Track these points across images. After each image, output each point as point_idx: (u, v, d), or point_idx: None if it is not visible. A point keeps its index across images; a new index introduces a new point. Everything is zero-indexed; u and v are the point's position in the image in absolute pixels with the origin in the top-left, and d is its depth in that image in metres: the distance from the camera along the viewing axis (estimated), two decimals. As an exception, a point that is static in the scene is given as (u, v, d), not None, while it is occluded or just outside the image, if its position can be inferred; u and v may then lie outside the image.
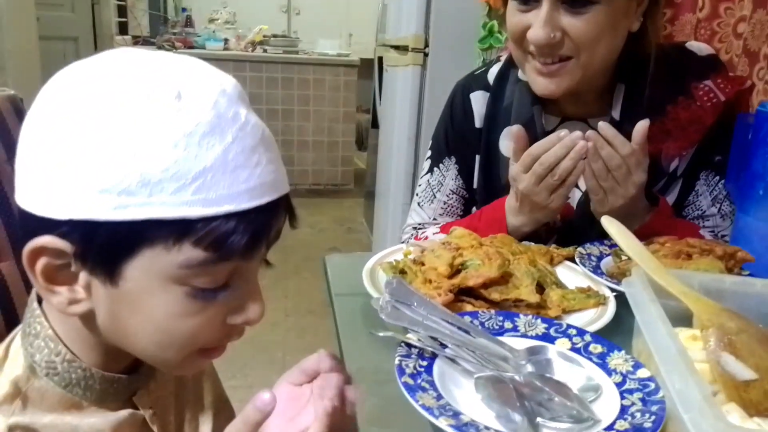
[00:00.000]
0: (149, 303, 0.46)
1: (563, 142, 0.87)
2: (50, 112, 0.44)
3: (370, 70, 3.59)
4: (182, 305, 0.47)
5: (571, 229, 1.02)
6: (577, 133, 0.87)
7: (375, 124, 3.39)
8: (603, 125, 0.87)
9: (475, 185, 1.13)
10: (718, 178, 1.01)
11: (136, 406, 0.57)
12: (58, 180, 0.43)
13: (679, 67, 0.99)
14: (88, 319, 0.49)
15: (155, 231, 0.43)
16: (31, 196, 0.45)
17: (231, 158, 0.44)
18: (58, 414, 0.51)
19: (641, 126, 0.87)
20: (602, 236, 0.95)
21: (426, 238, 1.10)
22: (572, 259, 0.89)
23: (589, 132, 0.87)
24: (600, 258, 0.89)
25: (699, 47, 1.02)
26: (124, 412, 0.55)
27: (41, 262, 0.45)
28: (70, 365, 0.51)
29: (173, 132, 0.42)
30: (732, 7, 1.22)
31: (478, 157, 1.10)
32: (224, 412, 0.71)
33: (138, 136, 0.42)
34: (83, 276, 0.46)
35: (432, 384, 0.56)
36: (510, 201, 0.97)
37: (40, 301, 0.53)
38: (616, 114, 0.99)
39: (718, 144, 0.99)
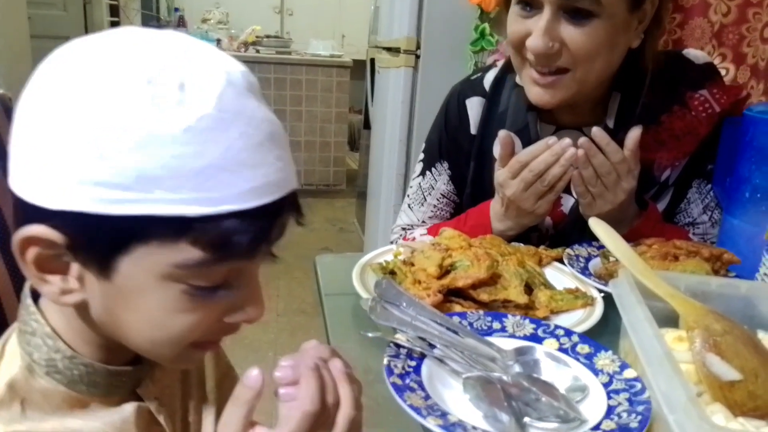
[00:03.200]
0: (144, 299, 0.45)
1: (553, 149, 0.87)
2: (46, 93, 0.41)
3: (362, 71, 3.59)
4: (178, 303, 0.45)
5: (563, 235, 1.02)
6: (567, 140, 0.87)
7: (367, 125, 3.39)
8: (596, 131, 0.87)
9: (466, 191, 1.13)
10: (710, 186, 1.01)
11: (140, 397, 0.55)
12: (51, 168, 0.40)
13: (675, 75, 0.99)
14: (83, 311, 0.48)
15: (151, 228, 0.41)
16: (25, 182, 0.42)
17: (234, 156, 0.41)
18: (61, 416, 0.49)
19: (634, 133, 0.88)
20: (592, 240, 0.96)
21: (413, 239, 1.11)
22: (561, 261, 0.89)
23: (582, 139, 0.87)
24: (588, 259, 0.90)
25: (696, 55, 1.02)
26: (129, 409, 0.53)
27: (32, 252, 0.43)
28: (71, 362, 0.49)
29: (173, 125, 0.39)
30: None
31: (472, 164, 1.10)
32: (227, 385, 0.69)
33: (136, 128, 0.39)
34: (76, 267, 0.44)
35: (420, 384, 0.56)
36: (495, 206, 0.98)
37: (35, 298, 0.51)
38: (610, 122, 0.99)
39: (709, 152, 1.00)
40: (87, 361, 0.50)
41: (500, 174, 0.93)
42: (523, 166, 0.89)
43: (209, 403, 0.66)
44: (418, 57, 2.33)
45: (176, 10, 5.27)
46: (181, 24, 5.00)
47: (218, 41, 4.64)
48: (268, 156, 0.43)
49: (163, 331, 0.46)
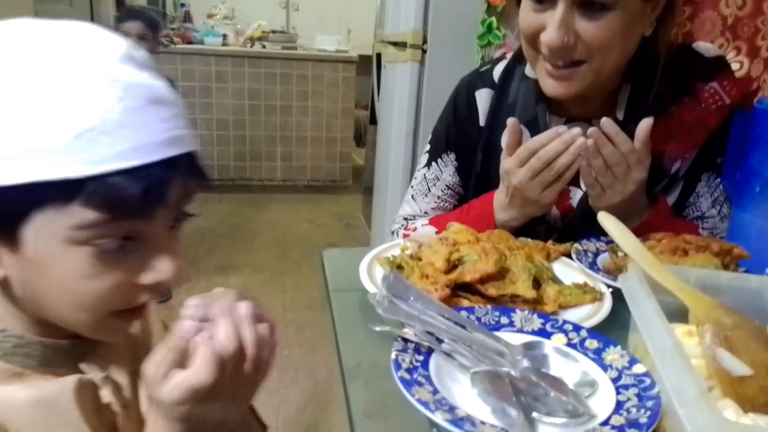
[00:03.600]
0: (54, 266, 0.47)
1: (562, 138, 0.87)
2: None
3: (368, 66, 3.59)
4: (86, 267, 0.47)
5: (571, 228, 1.01)
6: (577, 130, 0.87)
7: (373, 120, 3.39)
8: (605, 121, 0.86)
9: (472, 183, 1.12)
10: (719, 180, 1.00)
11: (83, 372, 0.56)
12: None
13: (685, 67, 0.98)
14: (7, 288, 0.50)
15: (42, 193, 0.44)
16: None
17: (114, 117, 0.44)
18: None
19: (645, 124, 0.87)
20: (601, 234, 0.95)
21: (414, 229, 1.11)
22: (569, 255, 0.89)
23: (591, 129, 0.87)
24: (596, 254, 0.89)
25: (706, 48, 1.01)
26: (71, 379, 0.54)
27: None
28: (2, 335, 0.51)
29: (52, 93, 0.43)
30: None
31: (479, 156, 1.09)
32: None
33: (17, 99, 0.42)
34: None
35: (428, 378, 0.56)
36: (499, 196, 0.97)
37: None
38: (620, 114, 0.98)
39: (718, 145, 0.99)
40: (18, 334, 0.52)
41: (507, 162, 0.92)
42: (531, 154, 0.88)
43: None
44: (424, 51, 2.32)
45: (182, 5, 5.27)
46: (186, 19, 5.00)
47: (224, 36, 4.64)
48: (150, 117, 0.46)
49: (79, 298, 0.48)
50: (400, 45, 2.49)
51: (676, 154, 0.99)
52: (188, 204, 0.52)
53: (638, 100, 0.97)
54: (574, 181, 0.92)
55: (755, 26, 1.28)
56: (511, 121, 0.92)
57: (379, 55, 3.13)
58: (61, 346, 0.55)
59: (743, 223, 0.94)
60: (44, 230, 0.45)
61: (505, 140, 1.03)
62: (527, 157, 0.89)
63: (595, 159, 0.86)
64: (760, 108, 0.92)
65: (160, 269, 0.50)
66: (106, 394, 0.58)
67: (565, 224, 1.03)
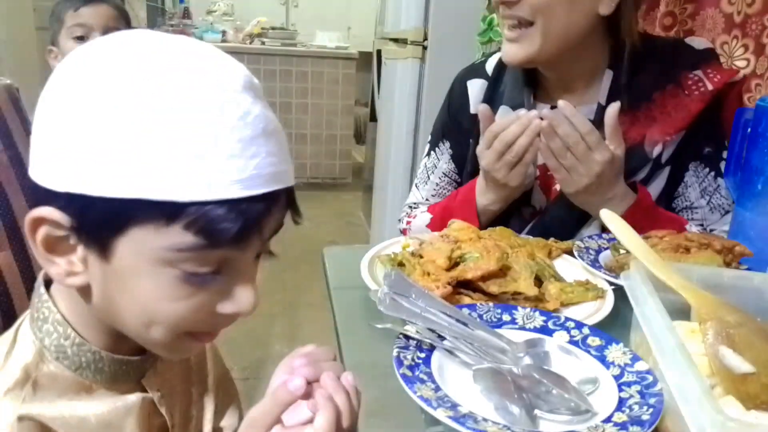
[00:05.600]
0: (138, 282, 0.47)
1: (520, 121, 0.91)
2: (61, 87, 0.45)
3: (368, 63, 3.58)
4: (170, 288, 0.47)
5: (551, 212, 1.04)
6: (533, 112, 0.92)
7: (373, 117, 3.38)
8: (562, 103, 0.90)
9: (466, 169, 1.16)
10: (708, 170, 1.01)
11: (144, 388, 0.58)
12: (60, 153, 0.44)
13: (671, 57, 1.01)
14: (86, 296, 0.50)
15: (145, 211, 0.44)
16: (38, 166, 0.46)
17: (226, 147, 0.44)
18: (68, 399, 0.51)
19: (612, 107, 0.90)
20: (582, 221, 0.99)
21: (415, 216, 1.15)
22: (571, 253, 0.89)
23: (545, 110, 0.91)
24: (598, 252, 0.89)
25: (698, 42, 1.03)
26: (134, 398, 0.56)
27: (41, 232, 0.46)
28: (79, 348, 0.52)
29: (170, 116, 0.42)
30: None
31: (471, 143, 1.13)
32: (225, 389, 0.72)
33: (132, 117, 0.42)
34: (80, 249, 0.47)
35: (430, 376, 0.56)
36: (479, 180, 1.02)
37: (47, 286, 0.54)
38: (602, 100, 1.00)
39: (706, 134, 1.00)
40: (94, 349, 0.53)
41: (479, 145, 0.97)
42: (494, 136, 0.93)
43: (209, 399, 0.69)
44: (425, 48, 2.32)
45: (181, 1, 5.25)
46: (186, 16, 4.98)
47: (223, 33, 4.63)
48: (260, 150, 0.46)
49: (156, 317, 0.48)
50: (400, 42, 2.49)
51: (657, 137, 1.00)
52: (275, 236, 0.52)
53: (620, 86, 0.99)
54: None
55: (762, 24, 1.28)
56: (482, 107, 0.97)
57: (379, 52, 3.12)
58: (129, 362, 0.55)
59: (745, 221, 0.94)
60: (139, 246, 0.45)
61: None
62: (491, 140, 0.94)
63: (551, 140, 0.90)
64: (761, 106, 0.92)
65: (241, 300, 0.50)
66: (162, 412, 0.59)
67: (547, 209, 1.05)
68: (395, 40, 2.60)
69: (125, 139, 0.42)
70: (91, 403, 0.53)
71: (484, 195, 1.01)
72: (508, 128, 0.92)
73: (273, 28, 4.90)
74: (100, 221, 0.45)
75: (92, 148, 0.43)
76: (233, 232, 0.45)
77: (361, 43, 4.94)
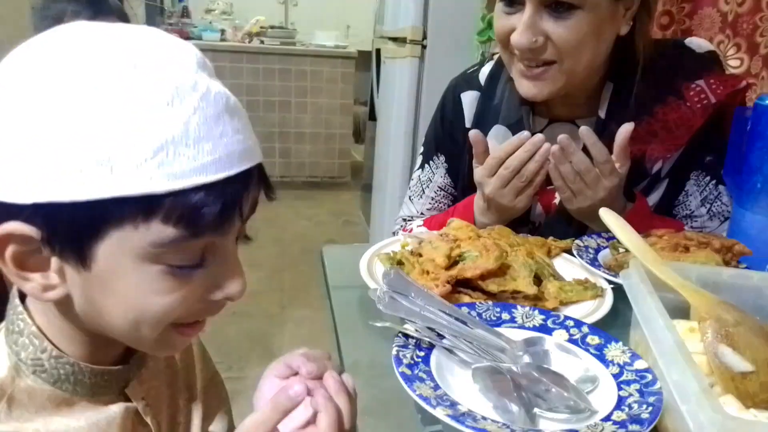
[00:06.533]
0: (123, 283, 0.45)
1: (525, 147, 0.88)
2: (8, 92, 0.42)
3: (367, 62, 3.58)
4: (157, 284, 0.45)
5: (548, 227, 1.03)
6: (539, 136, 0.89)
7: (372, 116, 3.38)
8: (584, 130, 0.87)
9: (461, 184, 1.13)
10: (708, 178, 1.00)
11: (128, 398, 0.56)
12: (17, 163, 0.41)
13: (672, 64, 0.98)
14: (66, 306, 0.48)
15: (121, 209, 0.42)
16: None
17: (193, 129, 0.42)
18: (47, 415, 0.49)
19: (625, 129, 0.87)
20: (580, 232, 0.96)
21: (411, 230, 1.11)
22: (570, 252, 0.89)
23: (561, 136, 0.88)
24: (597, 250, 0.89)
25: (699, 44, 1.00)
26: (116, 409, 0.54)
27: (10, 250, 0.44)
28: (57, 361, 0.50)
29: (130, 106, 0.41)
30: None
31: (466, 158, 1.09)
32: (213, 392, 0.70)
33: (93, 112, 0.40)
34: (55, 261, 0.45)
35: (429, 374, 0.56)
36: (478, 201, 0.98)
37: (22, 298, 0.51)
38: (602, 113, 0.98)
39: (709, 144, 0.98)
40: (72, 361, 0.50)
41: (477, 172, 0.94)
42: (499, 163, 0.90)
43: (197, 404, 0.67)
44: (424, 47, 2.32)
45: (180, 0, 5.25)
46: (184, 14, 4.98)
47: (222, 32, 4.62)
48: (226, 128, 0.44)
49: (145, 313, 0.47)
50: (399, 41, 2.49)
51: (657, 155, 0.98)
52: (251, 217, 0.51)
53: (621, 99, 0.96)
54: None
55: (754, 23, 1.28)
56: (472, 133, 0.94)
57: (378, 51, 3.12)
58: (110, 373, 0.54)
59: (744, 220, 0.94)
60: (118, 247, 0.43)
61: (491, 144, 1.04)
62: (496, 167, 0.90)
63: (562, 165, 0.87)
64: (760, 105, 0.92)
65: (231, 285, 0.49)
66: (147, 421, 0.57)
67: (544, 224, 1.04)
68: (394, 39, 2.60)
69: (87, 137, 0.40)
70: (70, 419, 0.50)
71: (484, 215, 0.97)
72: (513, 154, 0.89)
73: (272, 27, 4.90)
74: (73, 228, 0.43)
75: (54, 151, 0.40)
76: (214, 217, 0.43)
77: (360, 42, 4.93)
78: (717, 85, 0.96)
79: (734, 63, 1.33)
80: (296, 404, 0.48)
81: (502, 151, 0.90)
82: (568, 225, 0.97)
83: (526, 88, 0.93)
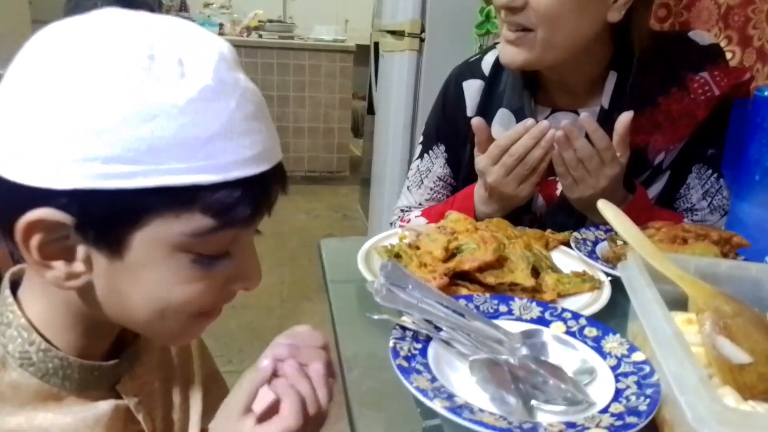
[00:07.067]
0: (153, 272, 0.46)
1: (531, 133, 0.88)
2: (40, 73, 0.41)
3: (366, 56, 3.57)
4: (185, 273, 0.46)
5: (550, 217, 1.03)
6: (545, 123, 0.88)
7: (371, 110, 3.38)
8: (584, 117, 0.87)
9: (462, 174, 1.13)
10: (711, 171, 1.00)
11: (119, 394, 0.55)
12: (53, 147, 0.40)
13: (676, 55, 0.97)
14: (82, 295, 0.48)
15: (164, 199, 0.43)
16: (22, 166, 0.41)
17: (236, 124, 0.44)
18: (32, 409, 0.49)
19: (625, 117, 0.87)
20: (580, 224, 0.96)
21: (409, 221, 1.12)
22: (567, 244, 0.88)
23: (564, 122, 0.87)
24: (595, 243, 0.89)
25: (702, 36, 1.00)
26: (105, 406, 0.53)
27: (37, 237, 0.43)
28: (45, 354, 0.49)
29: (178, 98, 0.41)
30: None
31: (468, 147, 1.09)
32: (214, 390, 0.70)
33: (144, 102, 0.40)
34: (82, 249, 0.45)
35: (426, 366, 0.55)
36: (479, 190, 0.98)
37: (14, 288, 0.51)
38: (605, 102, 0.97)
39: (711, 137, 0.98)
40: (61, 355, 0.50)
41: (480, 161, 0.93)
42: (502, 151, 0.89)
43: (196, 401, 0.67)
44: (422, 40, 2.31)
45: (178, -6, 5.23)
46: (183, 8, 4.96)
47: (221, 26, 4.61)
48: (261, 126, 0.46)
49: (170, 303, 0.47)
50: (398, 34, 2.48)
51: (660, 146, 0.98)
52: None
53: (624, 89, 0.96)
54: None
55: (746, 15, 1.27)
56: (475, 120, 0.93)
57: (376, 45, 3.11)
58: (101, 369, 0.53)
59: (742, 212, 0.94)
60: (156, 236, 0.44)
61: (495, 131, 1.03)
62: (499, 155, 0.90)
63: (566, 152, 0.87)
64: (759, 96, 0.91)
65: (250, 274, 0.51)
66: (139, 419, 0.57)
67: (546, 213, 1.04)
68: (392, 33, 2.59)
69: (136, 124, 0.40)
70: (57, 414, 0.50)
71: (486, 205, 0.97)
72: (518, 141, 0.88)
73: (270, 21, 4.89)
74: (112, 216, 0.43)
75: (101, 137, 0.40)
76: (248, 211, 0.45)
77: (358, 36, 4.92)
78: (721, 77, 0.96)
79: (727, 55, 1.33)
80: (264, 376, 0.50)
81: (507, 139, 0.89)
82: (569, 216, 0.97)
83: (504, 53, 0.94)
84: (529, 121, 0.89)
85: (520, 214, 1.01)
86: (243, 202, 0.44)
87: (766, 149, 0.90)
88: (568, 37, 0.89)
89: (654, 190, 1.01)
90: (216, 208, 0.44)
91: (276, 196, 0.50)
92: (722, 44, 1.31)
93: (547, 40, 0.89)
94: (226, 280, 0.50)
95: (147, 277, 0.46)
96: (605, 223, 0.74)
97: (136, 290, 0.47)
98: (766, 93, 0.92)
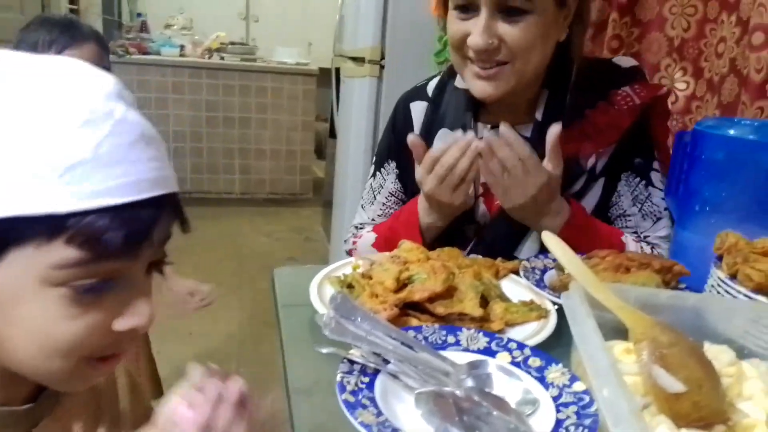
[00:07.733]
0: (24, 309, 0.43)
1: (458, 145, 0.94)
2: None
3: (329, 79, 3.59)
4: (61, 308, 0.44)
5: (492, 228, 1.07)
6: (471, 135, 0.95)
7: (333, 134, 3.39)
8: (503, 129, 0.93)
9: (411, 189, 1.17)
10: (638, 179, 1.06)
11: None
12: None
13: (602, 77, 1.06)
14: None
15: (24, 228, 0.41)
16: None
17: (105, 152, 0.42)
18: None
19: (553, 130, 0.93)
20: (523, 233, 1.03)
21: (361, 236, 1.16)
22: (517, 272, 0.90)
23: (486, 134, 0.96)
24: (544, 271, 0.91)
25: (626, 61, 1.09)
26: None
27: None
28: None
29: (44, 125, 0.41)
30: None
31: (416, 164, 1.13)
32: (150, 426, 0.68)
33: (4, 129, 0.40)
34: None
35: (373, 400, 0.56)
36: (422, 202, 1.03)
37: None
38: (539, 116, 1.05)
39: (637, 146, 1.05)
40: None
41: (417, 171, 0.99)
42: (435, 162, 0.95)
43: None
44: (382, 67, 2.34)
45: (139, 15, 5.18)
46: (143, 29, 4.92)
47: (182, 47, 4.58)
48: (141, 155, 0.45)
49: (50, 343, 0.45)
50: (358, 60, 2.51)
51: (590, 151, 1.04)
52: (165, 247, 0.50)
53: (555, 105, 1.04)
54: None
55: (699, 48, 1.34)
56: (410, 137, 0.99)
57: (338, 69, 3.14)
58: (15, 415, 0.51)
59: (684, 241, 0.97)
60: (19, 269, 0.42)
61: (435, 147, 1.08)
62: (432, 165, 0.96)
63: (490, 161, 0.93)
64: (699, 130, 0.95)
65: (136, 313, 0.48)
66: None
67: (489, 223, 1.08)
68: (353, 59, 2.62)
69: None
70: None
71: (428, 215, 1.02)
72: (447, 152, 0.94)
73: (232, 43, 4.88)
74: None
75: None
76: (119, 241, 0.43)
77: (321, 59, 4.93)
78: (641, 89, 1.05)
79: (681, 86, 1.39)
80: (181, 429, 0.48)
81: (438, 151, 0.95)
82: (511, 225, 1.02)
83: (480, 88, 0.98)
84: (458, 133, 0.97)
85: (464, 223, 1.07)
86: (112, 232, 0.42)
87: (705, 181, 0.94)
88: (539, 64, 0.97)
89: (592, 199, 1.06)
90: (81, 239, 0.42)
91: (166, 232, 0.48)
92: (677, 75, 1.38)
93: (521, 70, 0.96)
94: (110, 318, 0.47)
95: (19, 314, 0.44)
96: (542, 230, 0.78)
97: (11, 331, 0.44)
98: (705, 126, 0.96)
